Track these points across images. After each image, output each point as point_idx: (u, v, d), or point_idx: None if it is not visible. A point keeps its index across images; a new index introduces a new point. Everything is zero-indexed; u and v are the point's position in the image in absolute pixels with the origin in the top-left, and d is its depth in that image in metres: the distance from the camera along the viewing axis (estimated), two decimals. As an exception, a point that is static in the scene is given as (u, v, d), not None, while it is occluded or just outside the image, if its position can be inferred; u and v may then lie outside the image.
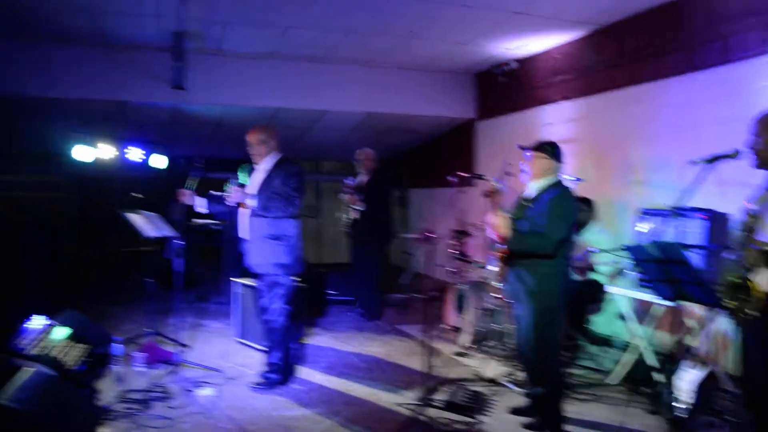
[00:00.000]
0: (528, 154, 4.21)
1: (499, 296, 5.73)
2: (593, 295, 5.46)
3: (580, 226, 5.38)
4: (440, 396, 4.72)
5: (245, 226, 5.00)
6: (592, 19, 6.29)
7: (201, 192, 5.23)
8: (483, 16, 6.19)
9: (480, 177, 5.12)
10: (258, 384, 5.03)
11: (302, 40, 7.10)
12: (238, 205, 5.00)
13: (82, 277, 8.65)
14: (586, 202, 5.67)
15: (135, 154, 7.67)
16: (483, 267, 6.15)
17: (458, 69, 8.54)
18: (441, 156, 10.16)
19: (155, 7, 5.97)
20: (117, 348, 5.12)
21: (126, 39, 6.98)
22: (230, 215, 5.25)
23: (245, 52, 7.60)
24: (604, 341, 5.81)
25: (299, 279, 5.24)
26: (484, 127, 8.89)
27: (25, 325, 4.39)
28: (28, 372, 3.89)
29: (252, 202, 4.89)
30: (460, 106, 8.94)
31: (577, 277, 5.17)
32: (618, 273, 5.26)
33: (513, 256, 4.11)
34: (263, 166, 5.07)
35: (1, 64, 6.87)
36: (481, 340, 6.12)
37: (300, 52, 7.62)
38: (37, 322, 4.46)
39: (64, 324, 4.53)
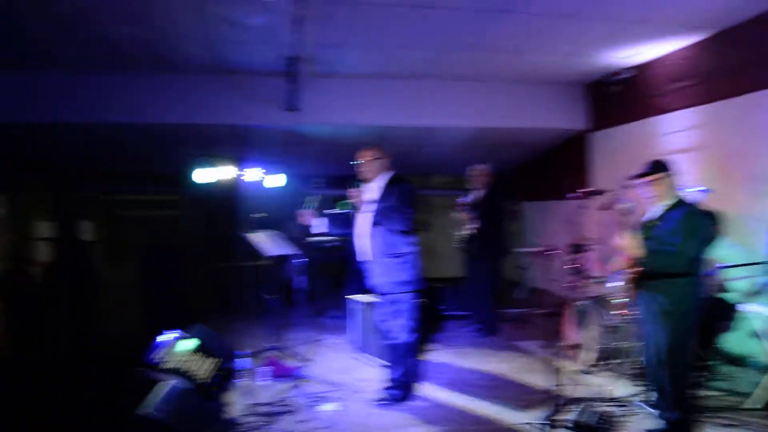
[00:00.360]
0: (643, 181, 4.11)
1: (622, 312, 5.53)
2: (724, 312, 5.17)
3: (708, 240, 5.13)
4: (567, 416, 4.59)
5: (365, 246, 5.08)
6: (715, 22, 6.00)
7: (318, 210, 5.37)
8: (596, 27, 6.04)
9: (600, 192, 5.00)
10: (380, 400, 5.08)
11: (411, 59, 7.16)
12: (357, 208, 5.10)
13: (205, 293, 9.04)
14: (711, 215, 5.39)
15: (253, 174, 7.95)
16: (603, 282, 5.95)
17: (569, 80, 8.35)
18: (553, 168, 9.96)
19: (271, 36, 6.18)
20: (243, 362, 5.32)
21: (241, 66, 7.26)
22: (348, 234, 5.34)
23: (356, 72, 7.73)
24: (738, 361, 5.48)
25: (419, 295, 5.26)
26: (597, 138, 8.64)
27: (159, 340, 4.62)
28: (166, 385, 4.10)
29: (371, 207, 4.97)
30: (571, 118, 8.73)
31: (707, 293, 4.91)
32: (755, 290, 4.95)
33: (644, 276, 3.99)
34: (375, 184, 5.13)
35: (132, 95, 7.35)
36: (604, 358, 5.91)
37: (409, 70, 7.69)
38: (169, 336, 4.69)
39: (194, 338, 4.74)
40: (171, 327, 4.81)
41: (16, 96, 7.13)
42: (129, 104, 7.38)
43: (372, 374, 5.78)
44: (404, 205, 4.97)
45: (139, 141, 8.48)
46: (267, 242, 5.91)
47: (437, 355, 6.59)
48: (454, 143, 9.25)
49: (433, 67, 7.55)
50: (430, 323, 7.49)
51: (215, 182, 7.76)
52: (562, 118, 8.71)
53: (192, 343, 4.63)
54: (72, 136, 8.09)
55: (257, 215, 6.55)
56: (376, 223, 4.99)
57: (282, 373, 5.71)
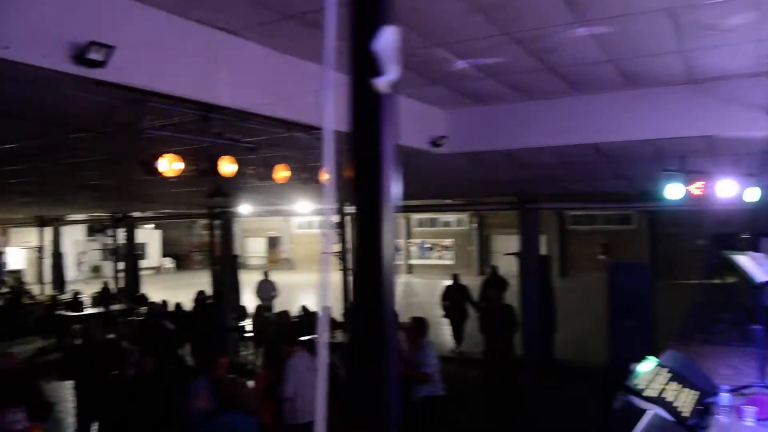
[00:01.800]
0: None
1: None
2: None
3: None
4: None
5: None
6: None
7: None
8: None
9: None
10: None
11: None
12: None
13: (674, 313, 8.60)
14: None
15: (726, 188, 7.32)
16: None
17: None
18: None
19: (754, 34, 5.57)
20: (723, 397, 4.85)
21: (714, 72, 6.72)
22: None
23: None
24: None
25: None
26: None
27: (636, 364, 4.51)
28: (648, 414, 3.96)
29: None
30: None
31: None
32: None
33: None
34: None
35: (596, 114, 7.46)
36: None
37: None
38: (646, 361, 4.54)
39: (670, 366, 4.51)
40: (642, 348, 4.67)
41: (489, 126, 7.97)
42: (594, 124, 7.50)
43: None
44: None
45: (597, 160, 8.56)
46: (754, 266, 5.31)
47: None
48: None
49: None
50: None
51: (684, 198, 7.37)
52: None
53: (668, 371, 4.42)
54: (535, 158, 8.59)
55: (741, 235, 5.95)
56: None
57: (770, 416, 5.04)
